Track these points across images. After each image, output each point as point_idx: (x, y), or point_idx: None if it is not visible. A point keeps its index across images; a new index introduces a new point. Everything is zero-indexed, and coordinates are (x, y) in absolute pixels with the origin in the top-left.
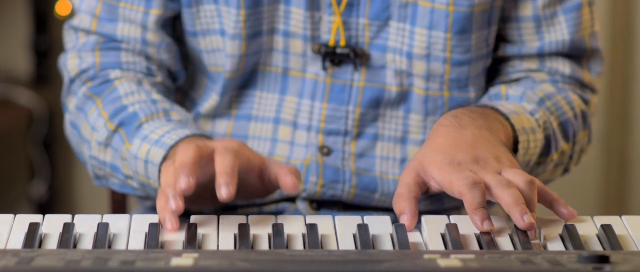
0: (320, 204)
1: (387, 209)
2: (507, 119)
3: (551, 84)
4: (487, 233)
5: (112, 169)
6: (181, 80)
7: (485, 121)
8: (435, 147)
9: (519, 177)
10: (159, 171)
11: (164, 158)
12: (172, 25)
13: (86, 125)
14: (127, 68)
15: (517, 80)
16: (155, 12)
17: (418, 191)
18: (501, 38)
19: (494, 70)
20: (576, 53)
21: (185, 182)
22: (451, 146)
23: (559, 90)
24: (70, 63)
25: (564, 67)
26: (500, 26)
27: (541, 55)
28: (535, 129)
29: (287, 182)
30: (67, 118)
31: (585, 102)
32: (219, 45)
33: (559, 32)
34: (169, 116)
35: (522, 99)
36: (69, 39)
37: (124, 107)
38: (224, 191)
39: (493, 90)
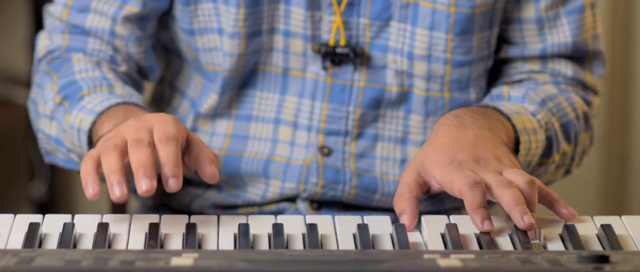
0: (321, 205)
1: (388, 210)
2: (508, 119)
3: (553, 85)
4: (487, 233)
5: (56, 142)
6: (154, 76)
7: (486, 121)
8: (436, 146)
9: (519, 177)
10: (88, 137)
11: (93, 124)
12: (157, 23)
13: (41, 100)
14: (92, 54)
15: (519, 81)
16: (130, 9)
17: (419, 191)
18: (503, 40)
19: (496, 72)
20: (578, 55)
21: (119, 192)
22: (452, 145)
23: (561, 91)
24: (40, 44)
25: (567, 68)
26: (503, 28)
27: (543, 57)
28: (536, 130)
29: (206, 172)
30: (30, 94)
31: (588, 103)
32: (216, 44)
33: (562, 34)
34: (112, 89)
35: (524, 99)
36: (46, 21)
37: (73, 82)
38: (172, 184)
39: (495, 91)
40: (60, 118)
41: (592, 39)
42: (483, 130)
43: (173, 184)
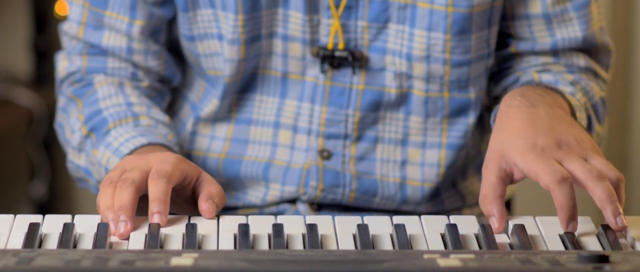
0: (321, 207)
1: (387, 212)
2: (562, 96)
3: (570, 74)
4: (487, 233)
5: (86, 172)
6: (177, 81)
7: (551, 98)
8: (512, 131)
9: (610, 172)
10: None
11: None
12: (168, 30)
13: (68, 127)
14: (112, 73)
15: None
16: (139, 23)
17: (503, 188)
18: (512, 35)
19: (508, 67)
20: (588, 48)
21: (123, 228)
22: (528, 128)
23: (580, 78)
24: (60, 65)
25: (579, 59)
26: (510, 24)
27: (555, 51)
28: (580, 108)
29: (201, 208)
30: (56, 118)
31: (602, 90)
32: (217, 49)
33: (571, 29)
34: (137, 121)
35: (557, 82)
36: (62, 40)
37: (98, 111)
38: (156, 220)
39: (525, 77)
40: (88, 151)
41: (599, 32)
42: (554, 108)
43: (157, 220)
